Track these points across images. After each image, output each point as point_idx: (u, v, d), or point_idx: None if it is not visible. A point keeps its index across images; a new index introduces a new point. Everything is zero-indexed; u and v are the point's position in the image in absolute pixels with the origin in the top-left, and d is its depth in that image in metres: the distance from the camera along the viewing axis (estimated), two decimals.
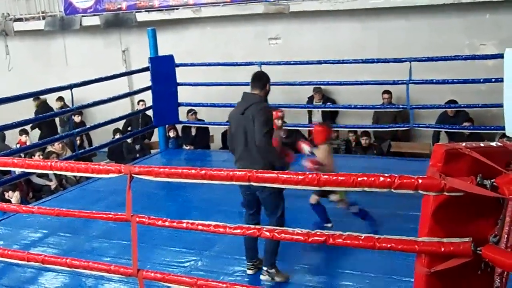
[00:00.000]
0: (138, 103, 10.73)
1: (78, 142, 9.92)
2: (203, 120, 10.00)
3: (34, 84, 8.93)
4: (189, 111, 9.73)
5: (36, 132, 10.95)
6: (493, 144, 2.19)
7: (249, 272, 4.73)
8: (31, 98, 9.69)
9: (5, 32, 12.67)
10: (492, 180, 2.08)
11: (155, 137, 9.61)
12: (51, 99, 10.88)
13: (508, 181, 2.04)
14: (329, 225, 5.46)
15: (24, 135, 9.58)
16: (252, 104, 4.45)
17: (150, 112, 9.26)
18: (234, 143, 4.61)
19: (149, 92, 8.82)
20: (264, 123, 4.36)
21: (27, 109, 11.22)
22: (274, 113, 5.08)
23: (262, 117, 4.37)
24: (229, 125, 4.73)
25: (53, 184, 8.51)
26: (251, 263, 4.73)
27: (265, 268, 4.57)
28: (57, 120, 11.38)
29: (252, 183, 2.68)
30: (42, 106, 10.97)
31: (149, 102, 9.20)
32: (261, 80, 4.63)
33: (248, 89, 4.69)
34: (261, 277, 4.59)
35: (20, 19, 12.65)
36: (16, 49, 12.96)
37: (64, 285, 4.69)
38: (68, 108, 7.91)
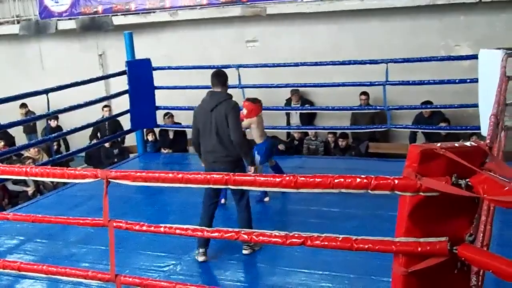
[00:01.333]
0: (102, 109, 10.48)
1: (55, 147, 9.83)
2: (180, 124, 9.95)
3: (9, 89, 8.81)
4: (165, 115, 9.68)
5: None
6: (468, 144, 2.21)
7: (201, 259, 4.92)
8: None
9: None
10: (467, 180, 2.10)
11: (133, 141, 9.54)
12: (16, 106, 10.71)
13: (482, 180, 2.06)
14: (267, 199, 6.23)
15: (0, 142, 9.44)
16: (223, 101, 4.86)
17: (123, 117, 9.20)
18: (201, 137, 4.95)
19: (122, 97, 8.78)
20: (238, 122, 4.90)
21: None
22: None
23: (235, 116, 4.86)
24: (194, 120, 5.05)
25: (30, 190, 8.40)
26: (204, 250, 4.93)
27: (244, 245, 4.96)
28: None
29: (229, 185, 2.67)
30: None
31: (120, 107, 9.16)
32: (221, 78, 5.03)
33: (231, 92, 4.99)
34: (243, 251, 4.98)
35: None
36: None
37: None
38: (45, 113, 7.80)
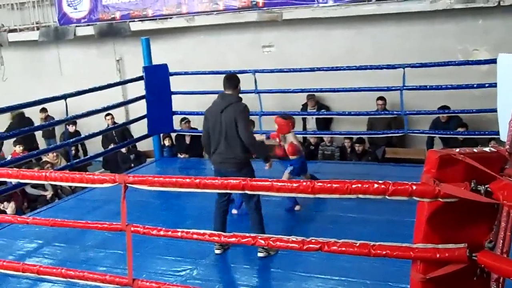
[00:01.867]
0: (105, 118, 10.49)
1: (73, 152, 9.92)
2: (197, 129, 9.99)
3: (28, 95, 8.93)
4: (182, 120, 9.73)
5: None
6: (487, 149, 2.19)
7: (217, 252, 5.13)
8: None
9: None
10: (486, 186, 2.08)
11: (150, 146, 9.59)
12: (35, 111, 10.85)
13: (502, 186, 2.04)
14: (297, 207, 6.03)
15: (18, 146, 9.53)
16: (232, 104, 4.97)
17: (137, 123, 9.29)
18: (211, 138, 5.07)
19: (139, 102, 8.84)
20: (247, 123, 5.01)
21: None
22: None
23: (244, 117, 4.95)
24: (205, 121, 5.17)
25: (48, 194, 8.48)
26: (219, 244, 5.06)
27: (259, 248, 4.93)
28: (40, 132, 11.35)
29: (246, 191, 2.67)
30: (18, 118, 10.99)
31: (137, 112, 9.23)
32: (233, 81, 5.18)
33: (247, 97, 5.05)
34: (259, 254, 4.99)
35: (14, 30, 12.66)
36: (10, 60, 12.96)
37: None
38: (64, 118, 7.89)
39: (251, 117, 6.16)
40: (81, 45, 12.31)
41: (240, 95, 5.19)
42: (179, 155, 9.70)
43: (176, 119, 9.36)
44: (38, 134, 11.21)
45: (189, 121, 9.78)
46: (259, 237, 2.78)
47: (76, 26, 11.91)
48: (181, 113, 9.36)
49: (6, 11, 12.88)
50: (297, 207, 6.07)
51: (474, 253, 2.16)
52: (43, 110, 11.43)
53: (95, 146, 10.56)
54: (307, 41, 10.40)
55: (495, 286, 2.36)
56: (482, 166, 2.06)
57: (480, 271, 2.22)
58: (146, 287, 3.28)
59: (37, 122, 10.98)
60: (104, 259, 5.26)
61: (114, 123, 10.21)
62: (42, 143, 11.44)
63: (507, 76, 5.71)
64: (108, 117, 10.49)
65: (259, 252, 5.01)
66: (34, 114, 10.97)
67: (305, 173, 6.14)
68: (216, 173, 5.04)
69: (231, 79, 5.19)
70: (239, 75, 8.76)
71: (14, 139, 8.93)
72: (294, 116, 9.26)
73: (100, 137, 10.29)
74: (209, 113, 5.14)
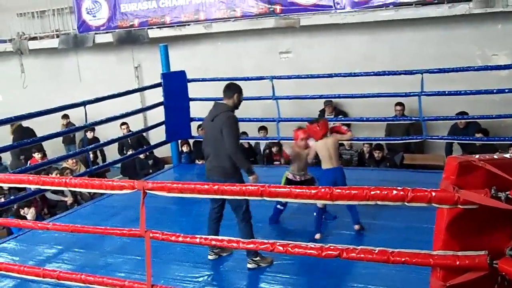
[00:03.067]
0: (120, 127, 10.59)
1: (92, 158, 10.02)
2: None
3: (48, 101, 9.05)
4: (199, 126, 9.77)
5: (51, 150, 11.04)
6: (507, 155, 2.17)
7: (210, 257, 5.21)
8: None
9: (20, 50, 12.88)
10: (507, 193, 2.06)
11: (168, 152, 9.65)
12: (57, 117, 10.97)
13: None
14: (318, 236, 5.60)
15: (37, 153, 9.65)
16: (220, 113, 5.01)
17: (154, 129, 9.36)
18: (206, 146, 5.17)
19: (157, 109, 8.90)
20: (231, 133, 4.92)
21: (36, 127, 11.37)
22: (294, 133, 6.01)
23: (229, 127, 4.91)
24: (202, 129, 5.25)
25: (68, 200, 8.56)
26: (211, 250, 5.22)
27: (249, 258, 4.96)
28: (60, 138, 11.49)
29: (264, 197, 2.68)
30: (18, 130, 11.11)
31: (155, 119, 9.30)
32: (230, 91, 5.17)
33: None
34: (248, 265, 4.97)
35: (34, 38, 12.85)
36: (31, 67, 13.14)
37: None
38: (82, 125, 7.98)
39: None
40: (100, 52, 12.44)
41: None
42: (197, 161, 9.73)
43: (194, 126, 9.40)
44: (58, 140, 11.32)
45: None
46: (278, 244, 2.78)
47: (95, 33, 12.05)
48: (199, 119, 9.38)
49: (27, 19, 13.07)
50: (317, 236, 5.59)
51: (495, 261, 2.14)
52: (65, 116, 11.58)
53: (112, 153, 10.64)
54: (324, 47, 10.39)
55: None
56: (502, 173, 2.04)
57: (501, 279, 2.20)
58: None
59: (56, 129, 11.08)
60: (122, 264, 5.29)
61: (129, 131, 10.27)
62: (62, 150, 11.56)
63: None
64: (123, 126, 10.58)
65: (248, 263, 4.99)
66: (54, 121, 11.08)
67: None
68: (207, 180, 5.00)
69: (228, 88, 5.19)
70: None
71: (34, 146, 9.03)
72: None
73: (116, 144, 10.39)
74: (204, 122, 5.35)
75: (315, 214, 5.59)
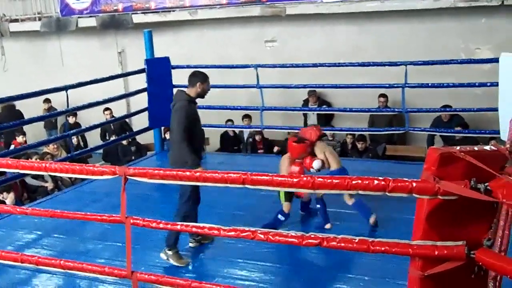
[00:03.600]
0: (103, 112, 10.50)
1: (76, 143, 9.94)
2: None
3: (29, 85, 8.92)
4: None
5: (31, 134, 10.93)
6: (487, 148, 2.19)
7: (191, 245, 5.25)
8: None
9: (0, 33, 12.66)
10: (486, 184, 2.08)
11: (151, 139, 9.60)
12: (39, 101, 10.85)
13: (501, 185, 2.04)
14: (328, 225, 5.51)
15: (21, 136, 9.55)
16: (177, 102, 4.98)
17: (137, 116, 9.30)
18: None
19: (140, 95, 8.83)
20: (179, 121, 4.83)
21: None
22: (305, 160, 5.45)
23: (178, 116, 4.86)
24: None
25: (49, 185, 8.49)
26: (192, 237, 5.26)
27: (165, 248, 4.94)
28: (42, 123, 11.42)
29: (246, 185, 2.67)
30: (7, 110, 10.99)
31: (138, 105, 9.24)
32: (193, 79, 5.08)
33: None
34: (161, 255, 4.96)
35: (16, 20, 12.64)
36: (11, 50, 12.95)
37: (58, 286, 4.68)
38: (64, 109, 7.89)
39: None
40: (83, 37, 12.29)
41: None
42: None
43: None
44: (39, 125, 11.20)
45: None
46: (259, 232, 2.78)
47: (78, 17, 11.89)
48: None
49: (8, 1, 12.85)
50: (327, 226, 5.51)
51: (472, 251, 2.17)
52: (47, 100, 11.44)
53: (94, 139, 10.57)
54: (310, 37, 10.38)
55: (492, 284, 2.36)
56: (482, 165, 2.06)
57: (478, 269, 2.23)
58: (145, 280, 3.29)
59: (38, 113, 10.97)
60: (103, 251, 5.28)
61: (113, 117, 10.20)
62: (43, 134, 11.45)
63: (509, 75, 5.70)
64: (106, 112, 10.49)
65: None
66: (35, 105, 10.95)
67: None
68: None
69: (191, 76, 5.11)
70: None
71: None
72: (295, 112, 9.15)
73: (99, 130, 10.31)
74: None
75: (318, 206, 5.57)
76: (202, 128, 5.31)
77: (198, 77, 5.08)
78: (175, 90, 8.75)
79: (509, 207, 2.13)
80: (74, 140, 10.02)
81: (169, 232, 4.85)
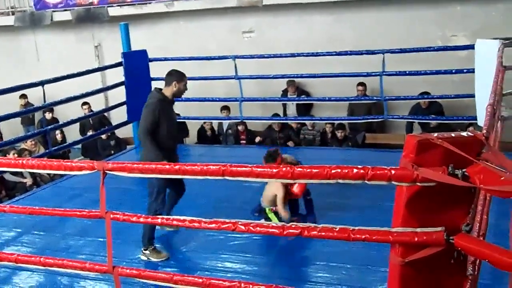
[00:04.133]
0: (82, 107, 10.43)
1: (60, 138, 9.84)
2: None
3: (4, 81, 8.78)
4: None
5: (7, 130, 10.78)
6: (464, 134, 2.21)
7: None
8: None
9: None
10: (464, 170, 2.09)
11: (130, 133, 9.53)
12: (15, 97, 10.70)
13: (479, 170, 2.06)
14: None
15: None
16: (148, 99, 4.98)
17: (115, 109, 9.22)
18: None
19: (118, 89, 8.76)
20: (144, 118, 4.87)
21: None
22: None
23: (144, 113, 4.88)
24: None
25: (28, 181, 8.39)
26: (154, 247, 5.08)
27: (142, 249, 4.93)
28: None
29: (226, 177, 2.66)
30: None
31: (116, 99, 9.17)
32: (168, 78, 5.03)
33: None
34: (141, 257, 4.94)
35: None
36: None
37: (39, 284, 4.64)
38: (40, 105, 7.79)
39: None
40: (58, 31, 12.12)
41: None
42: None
43: None
44: (16, 121, 11.04)
45: None
46: (240, 223, 2.78)
47: (53, 11, 11.72)
48: None
49: None
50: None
51: (451, 237, 2.18)
52: (23, 96, 11.29)
53: (72, 134, 10.46)
54: (288, 26, 10.37)
55: (471, 269, 2.40)
56: (459, 151, 2.07)
57: (457, 254, 2.25)
58: (127, 274, 3.27)
59: (14, 109, 10.82)
60: (84, 247, 5.24)
61: (91, 111, 10.10)
62: (19, 131, 11.30)
63: (485, 61, 5.77)
64: (85, 107, 10.39)
65: (141, 255, 4.95)
66: (11, 101, 10.79)
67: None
68: None
69: (167, 75, 5.06)
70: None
71: None
72: (275, 102, 9.12)
73: (77, 125, 10.20)
74: None
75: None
76: (176, 127, 5.25)
77: (174, 76, 5.01)
78: (153, 83, 8.85)
79: (486, 193, 2.16)
80: (59, 136, 9.94)
81: (143, 232, 4.87)
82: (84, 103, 10.33)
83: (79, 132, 10.64)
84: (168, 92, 5.01)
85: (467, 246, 2.15)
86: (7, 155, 8.21)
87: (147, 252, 4.92)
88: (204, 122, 10.09)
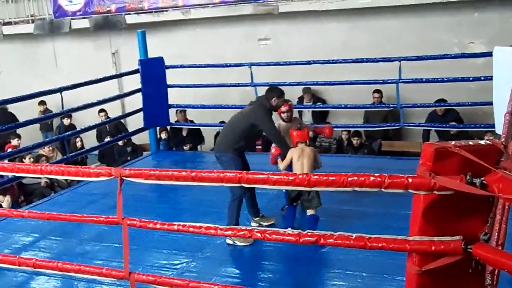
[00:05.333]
0: (98, 114, 10.55)
1: (79, 144, 9.94)
2: (193, 121, 10.00)
3: (23, 88, 8.89)
4: (177, 110, 9.73)
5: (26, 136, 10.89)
6: (482, 142, 2.19)
7: (253, 224, 5.49)
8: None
9: None
10: (482, 178, 2.08)
11: (146, 139, 9.59)
12: (33, 104, 10.83)
13: (497, 179, 2.04)
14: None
15: (16, 139, 9.54)
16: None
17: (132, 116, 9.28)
18: None
19: (135, 96, 8.82)
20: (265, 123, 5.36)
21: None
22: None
23: (263, 119, 5.33)
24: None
25: (43, 182, 8.46)
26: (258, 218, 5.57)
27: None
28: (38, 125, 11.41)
29: (242, 184, 2.67)
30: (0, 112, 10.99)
31: (133, 105, 9.22)
32: (271, 92, 5.55)
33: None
34: (227, 241, 5.16)
35: (9, 23, 12.60)
36: (5, 53, 12.90)
37: None
38: (58, 112, 7.87)
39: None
40: (76, 38, 12.26)
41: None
42: (184, 147, 9.79)
43: (172, 112, 9.35)
44: (35, 127, 11.17)
45: (184, 111, 9.80)
46: (256, 230, 2.78)
47: (72, 19, 11.87)
48: (177, 106, 9.36)
49: (1, 3, 12.83)
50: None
51: (469, 246, 2.17)
52: (42, 103, 11.45)
53: (89, 140, 10.54)
54: (303, 34, 10.38)
55: (490, 278, 2.37)
56: (477, 159, 2.06)
57: (475, 263, 2.23)
58: (143, 280, 3.29)
59: (33, 115, 10.94)
60: (100, 252, 5.26)
61: (108, 118, 10.18)
62: (38, 137, 11.41)
63: (503, 69, 5.72)
64: (101, 114, 10.48)
65: (228, 238, 5.16)
66: (29, 108, 10.93)
67: None
68: None
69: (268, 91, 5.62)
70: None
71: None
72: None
73: (94, 131, 10.29)
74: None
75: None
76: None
77: (272, 92, 5.53)
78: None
79: (505, 201, 2.14)
80: (79, 144, 10.04)
81: (227, 221, 5.16)
82: (101, 110, 10.42)
83: (96, 138, 10.73)
84: (271, 106, 5.46)
85: (485, 255, 2.13)
86: (23, 160, 8.30)
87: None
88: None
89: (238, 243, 5.10)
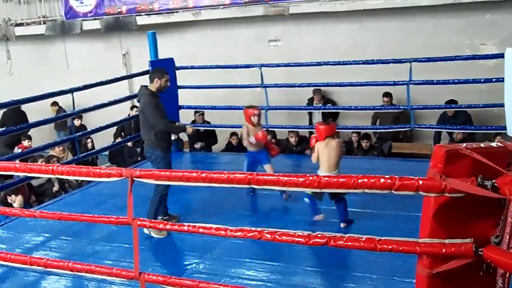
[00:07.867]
0: (131, 109, 10.70)
1: (90, 145, 10.00)
2: (209, 122, 10.02)
3: (35, 89, 8.96)
4: (196, 112, 9.80)
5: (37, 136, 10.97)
6: (494, 144, 2.18)
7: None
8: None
9: (6, 37, 12.71)
10: (493, 181, 2.07)
11: None
12: (45, 104, 10.91)
13: (509, 181, 2.03)
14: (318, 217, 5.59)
15: (26, 140, 9.60)
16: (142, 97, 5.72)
17: None
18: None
19: None
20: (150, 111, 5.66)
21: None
22: (250, 110, 6.26)
23: (147, 108, 5.65)
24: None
25: (55, 188, 8.51)
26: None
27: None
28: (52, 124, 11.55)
29: (252, 185, 2.67)
30: (12, 110, 11.02)
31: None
32: (152, 74, 5.87)
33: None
34: (144, 230, 5.27)
35: (21, 24, 12.68)
36: (17, 54, 12.98)
37: None
38: (69, 112, 7.92)
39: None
40: (87, 39, 12.33)
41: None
42: (195, 146, 9.87)
43: (182, 113, 9.35)
44: (46, 128, 11.22)
45: (203, 113, 9.86)
46: (266, 232, 2.78)
47: (83, 20, 11.93)
48: (188, 107, 9.38)
49: (13, 5, 12.90)
50: (317, 217, 5.59)
51: (480, 248, 2.16)
52: (55, 103, 11.52)
53: (100, 141, 10.59)
54: (313, 35, 10.37)
55: (501, 281, 2.36)
56: (488, 161, 2.05)
57: (486, 266, 2.22)
58: (153, 281, 3.30)
59: (44, 116, 11.00)
60: (110, 252, 5.28)
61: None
62: (50, 137, 11.48)
63: None
64: (134, 108, 10.54)
65: (145, 229, 5.24)
66: (40, 109, 10.99)
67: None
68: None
69: (151, 72, 6.05)
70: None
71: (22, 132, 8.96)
72: (300, 111, 9.17)
73: (105, 131, 10.30)
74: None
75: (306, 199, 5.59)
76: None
77: (157, 72, 5.81)
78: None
79: None
80: (90, 144, 10.09)
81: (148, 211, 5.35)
82: (134, 106, 10.55)
83: (115, 135, 10.79)
84: (153, 88, 5.76)
85: (496, 258, 2.12)
86: (35, 162, 8.34)
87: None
88: (233, 133, 10.08)
89: (154, 235, 5.33)
